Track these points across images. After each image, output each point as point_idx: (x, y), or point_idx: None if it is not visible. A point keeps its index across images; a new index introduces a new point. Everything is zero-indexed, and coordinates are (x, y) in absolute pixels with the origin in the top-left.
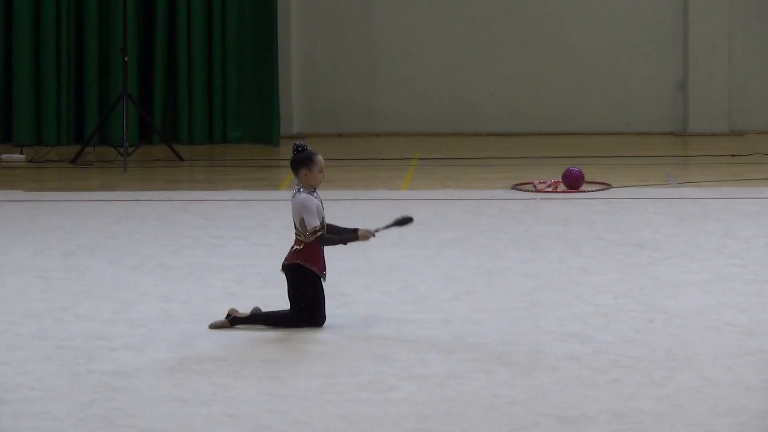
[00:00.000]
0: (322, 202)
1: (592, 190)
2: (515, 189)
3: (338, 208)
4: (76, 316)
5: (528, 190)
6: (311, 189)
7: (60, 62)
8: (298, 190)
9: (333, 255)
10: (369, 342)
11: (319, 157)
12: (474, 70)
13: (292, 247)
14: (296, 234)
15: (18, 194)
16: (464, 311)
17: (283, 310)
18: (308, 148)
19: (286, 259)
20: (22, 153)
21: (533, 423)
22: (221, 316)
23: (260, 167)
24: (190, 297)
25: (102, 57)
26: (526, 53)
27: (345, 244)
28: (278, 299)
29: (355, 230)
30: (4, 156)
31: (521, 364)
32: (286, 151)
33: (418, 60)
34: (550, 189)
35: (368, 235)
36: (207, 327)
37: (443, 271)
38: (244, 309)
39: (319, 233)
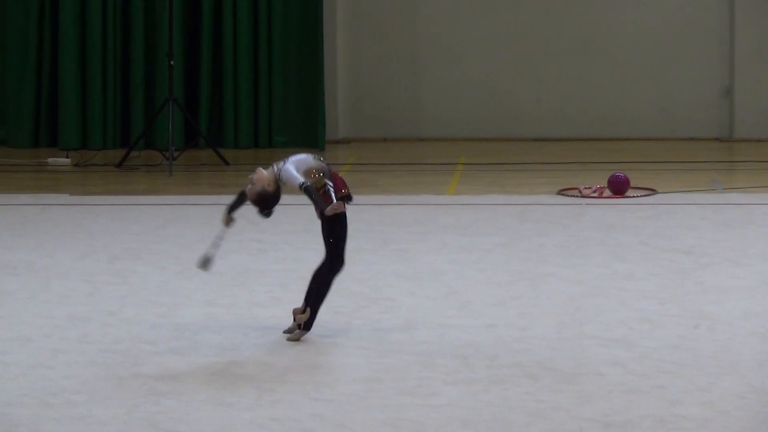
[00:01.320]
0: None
1: (638, 196)
2: (560, 194)
3: (384, 212)
4: (121, 320)
5: (573, 196)
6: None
7: (106, 67)
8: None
9: (376, 259)
10: (413, 347)
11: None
12: (519, 75)
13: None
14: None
15: (64, 198)
16: (509, 316)
17: (318, 274)
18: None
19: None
20: (67, 157)
21: (577, 429)
22: (266, 321)
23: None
24: (235, 301)
25: (148, 61)
26: (572, 58)
27: (316, 204)
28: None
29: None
30: (50, 160)
31: (565, 370)
32: (331, 155)
33: (463, 65)
34: (595, 194)
35: (337, 208)
36: (255, 332)
37: (488, 276)
38: (289, 313)
39: (305, 185)
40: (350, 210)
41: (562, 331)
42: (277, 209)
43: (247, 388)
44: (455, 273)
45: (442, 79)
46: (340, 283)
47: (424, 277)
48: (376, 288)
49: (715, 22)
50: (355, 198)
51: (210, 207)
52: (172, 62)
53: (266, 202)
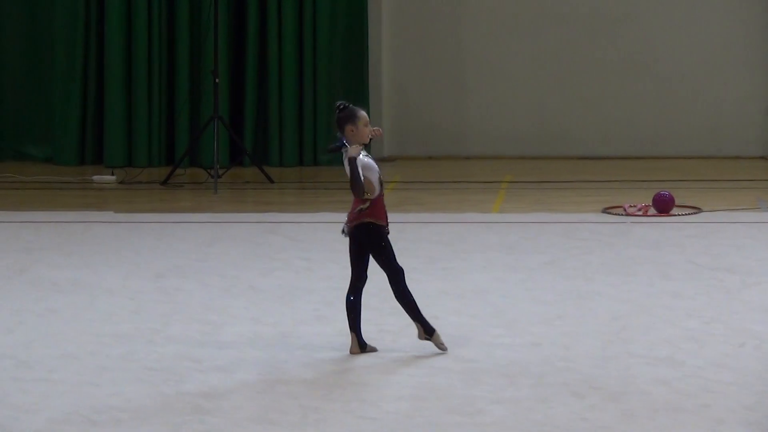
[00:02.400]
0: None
1: (683, 214)
2: (605, 212)
3: (429, 230)
4: (166, 338)
5: (618, 214)
6: (360, 148)
7: (151, 84)
8: (346, 149)
9: (422, 277)
10: (458, 365)
11: (363, 113)
12: (564, 93)
13: (355, 207)
14: (357, 195)
15: (109, 215)
16: (554, 335)
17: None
18: (350, 105)
19: (351, 221)
20: (113, 174)
21: None
22: (311, 339)
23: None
24: (280, 319)
25: (193, 79)
26: (616, 76)
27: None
28: (366, 322)
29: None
30: (95, 177)
31: (611, 389)
32: None
33: (508, 83)
34: (640, 213)
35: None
36: (300, 350)
37: (533, 294)
38: (334, 331)
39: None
40: (396, 227)
41: (607, 349)
42: (323, 227)
43: (291, 406)
44: (501, 291)
45: (487, 97)
46: (385, 301)
47: (469, 296)
48: (422, 306)
49: (760, 40)
50: (401, 216)
51: (255, 225)
52: (217, 80)
53: None
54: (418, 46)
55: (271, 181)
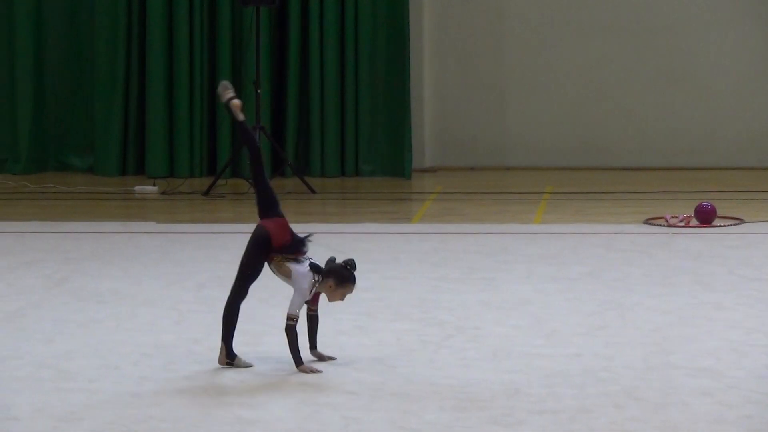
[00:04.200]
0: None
1: (725, 225)
2: (647, 223)
3: (470, 241)
4: (207, 348)
5: (660, 225)
6: (314, 285)
7: (193, 95)
8: (309, 262)
9: (463, 288)
10: (499, 375)
11: (353, 287)
12: (605, 104)
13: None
14: (274, 268)
15: (150, 226)
16: (595, 346)
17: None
18: (354, 271)
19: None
20: (154, 185)
21: None
22: (351, 350)
23: (392, 200)
24: (321, 330)
25: (235, 90)
26: (657, 87)
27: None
28: (409, 332)
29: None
30: (137, 188)
31: (652, 400)
32: (418, 184)
33: (549, 94)
34: (682, 224)
35: (307, 371)
36: (340, 361)
37: (574, 305)
38: (375, 341)
39: (291, 323)
40: (437, 238)
41: (649, 360)
42: (364, 238)
43: (332, 417)
44: (542, 302)
45: (529, 108)
46: (426, 311)
47: (510, 306)
48: (463, 317)
49: None
50: (442, 227)
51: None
52: (259, 91)
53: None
54: (459, 57)
55: (313, 192)
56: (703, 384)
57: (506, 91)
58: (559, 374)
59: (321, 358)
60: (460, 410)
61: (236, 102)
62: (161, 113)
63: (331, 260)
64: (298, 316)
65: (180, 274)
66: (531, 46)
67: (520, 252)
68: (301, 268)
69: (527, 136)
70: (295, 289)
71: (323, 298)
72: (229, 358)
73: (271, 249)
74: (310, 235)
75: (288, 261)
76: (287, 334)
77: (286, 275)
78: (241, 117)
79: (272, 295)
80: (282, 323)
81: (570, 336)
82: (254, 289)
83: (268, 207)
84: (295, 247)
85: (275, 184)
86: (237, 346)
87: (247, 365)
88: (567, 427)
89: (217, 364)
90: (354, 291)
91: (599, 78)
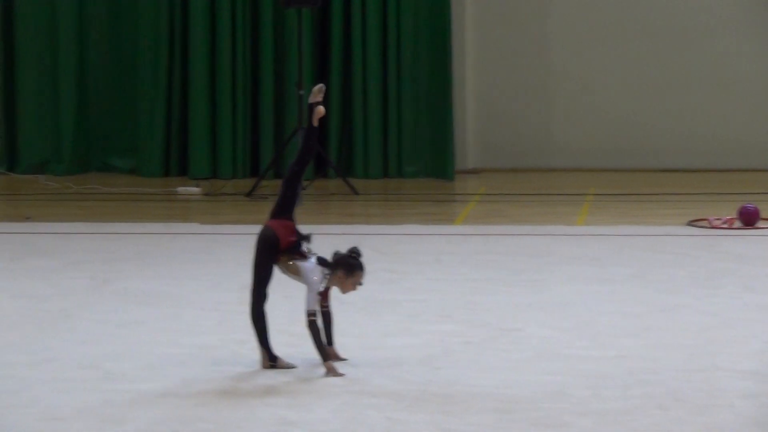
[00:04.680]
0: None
1: None
2: (690, 225)
3: (514, 243)
4: (251, 349)
5: (703, 227)
6: (324, 279)
7: (235, 96)
8: (315, 257)
9: (507, 289)
10: (543, 377)
11: (363, 274)
12: (649, 106)
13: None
14: (282, 268)
15: (194, 227)
16: (640, 347)
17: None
18: (361, 258)
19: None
20: (198, 186)
21: None
22: (396, 351)
23: (435, 201)
24: (365, 331)
25: (277, 91)
26: (701, 89)
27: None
28: (452, 334)
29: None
30: (180, 189)
31: (696, 402)
32: (461, 185)
33: (593, 96)
34: (725, 225)
35: (332, 369)
36: (385, 362)
37: (618, 307)
38: (420, 343)
39: (312, 318)
40: (481, 239)
41: (693, 362)
42: (407, 239)
43: (377, 418)
44: (585, 304)
45: (572, 110)
46: (470, 313)
47: (554, 308)
48: (506, 318)
49: None
50: (486, 228)
51: (339, 237)
52: (301, 92)
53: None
54: (502, 57)
55: (356, 193)
56: (747, 386)
57: (549, 92)
58: (602, 376)
59: (336, 356)
60: (503, 412)
61: (320, 108)
62: (204, 114)
63: (337, 253)
64: (316, 311)
65: (223, 275)
66: (574, 47)
67: (564, 254)
68: (309, 264)
69: (570, 138)
70: (307, 285)
71: (338, 291)
72: (270, 360)
73: (279, 250)
74: (310, 234)
75: (295, 260)
76: (310, 331)
77: (296, 273)
78: (315, 123)
79: None
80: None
81: (613, 338)
82: (296, 290)
83: (285, 209)
84: (300, 246)
85: (318, 185)
86: (280, 347)
87: (290, 366)
88: (610, 429)
89: (259, 364)
90: (364, 279)
91: (643, 79)
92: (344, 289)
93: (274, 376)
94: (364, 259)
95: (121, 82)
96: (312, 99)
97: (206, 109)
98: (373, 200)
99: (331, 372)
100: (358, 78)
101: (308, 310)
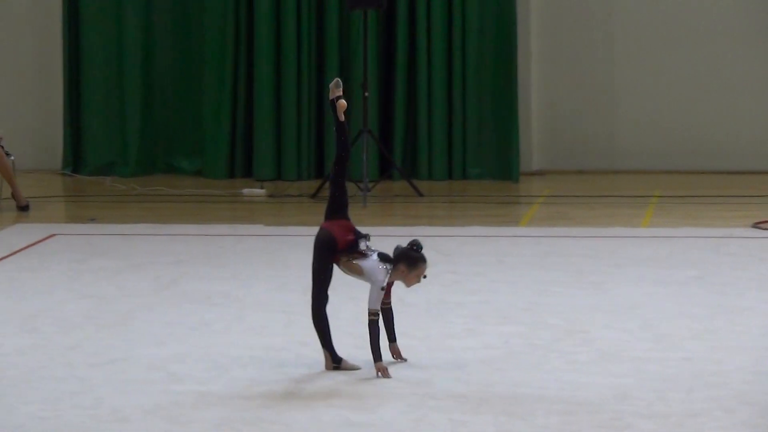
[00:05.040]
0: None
1: None
2: (756, 227)
3: (578, 245)
4: (316, 351)
5: None
6: (387, 274)
7: (300, 98)
8: (376, 253)
9: (572, 292)
10: (607, 379)
11: (425, 266)
12: (714, 108)
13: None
14: (343, 268)
15: (258, 228)
16: (705, 350)
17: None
18: (422, 251)
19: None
20: (262, 188)
21: None
22: (459, 353)
23: (500, 203)
24: (429, 333)
25: (342, 93)
26: (767, 91)
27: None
28: (517, 336)
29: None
30: (245, 190)
31: (763, 404)
32: (526, 187)
33: (659, 97)
34: None
35: (383, 370)
36: (449, 364)
37: (683, 309)
38: (483, 344)
39: (374, 318)
40: (545, 242)
41: (759, 364)
42: (471, 241)
43: (441, 421)
44: (650, 306)
45: (637, 111)
46: (535, 315)
47: (619, 310)
48: (572, 320)
49: None
50: (550, 231)
51: (403, 239)
52: (366, 94)
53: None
54: (567, 59)
55: (420, 195)
56: None
57: (615, 93)
58: (668, 378)
59: (398, 354)
60: (568, 414)
61: (342, 102)
62: (269, 116)
63: (398, 247)
64: (380, 311)
65: (288, 277)
66: (640, 48)
67: (629, 255)
68: (370, 261)
69: (636, 139)
70: (371, 284)
71: (400, 286)
72: (335, 362)
73: (337, 250)
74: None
75: (355, 259)
76: (370, 330)
77: (358, 273)
78: (342, 117)
79: None
80: (400, 327)
81: (679, 340)
82: (361, 291)
83: (337, 209)
84: (359, 244)
85: (382, 187)
86: (345, 349)
87: (354, 368)
88: None
89: (324, 366)
90: (427, 271)
91: (708, 81)
92: (408, 283)
93: (338, 378)
94: (428, 258)
95: (187, 84)
96: (332, 95)
97: (271, 111)
98: (437, 202)
99: (383, 373)
100: (422, 79)
101: (370, 309)
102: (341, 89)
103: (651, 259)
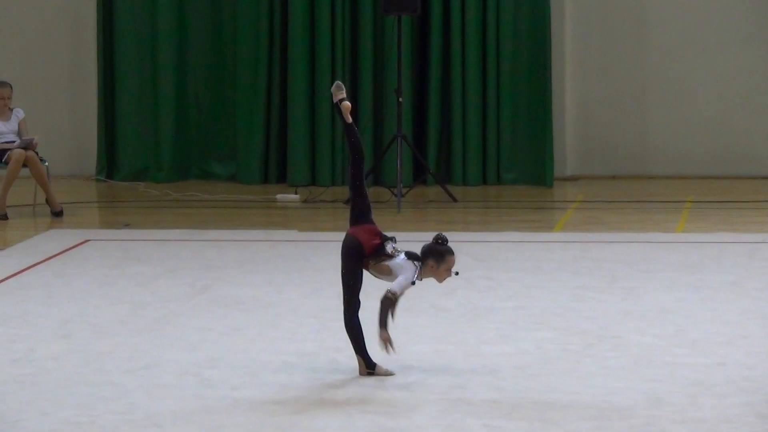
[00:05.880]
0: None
1: None
2: None
3: (612, 250)
4: (349, 357)
5: None
6: (417, 271)
7: (334, 103)
8: (403, 252)
9: (605, 297)
10: (641, 384)
11: (453, 258)
12: (748, 113)
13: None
14: (373, 272)
15: (292, 234)
16: (738, 355)
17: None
18: (447, 243)
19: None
20: (296, 193)
21: None
22: (493, 359)
23: (533, 209)
24: (463, 338)
25: (376, 98)
26: None
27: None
28: (550, 341)
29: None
30: (279, 196)
31: None
32: (560, 193)
33: (691, 102)
34: None
35: (387, 340)
36: (483, 370)
37: (716, 314)
38: (517, 350)
39: (391, 297)
40: (579, 247)
41: None
42: (506, 246)
43: (475, 426)
44: (683, 311)
45: (670, 116)
46: (568, 320)
47: (652, 315)
48: (605, 326)
49: None
50: (584, 236)
51: None
52: (400, 99)
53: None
54: (600, 65)
55: (454, 200)
56: None
57: (648, 99)
58: (701, 383)
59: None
60: (601, 419)
61: (346, 104)
62: (303, 121)
63: (424, 245)
64: (398, 297)
65: (321, 283)
66: (672, 54)
67: (662, 261)
68: (399, 260)
69: (669, 145)
70: (402, 276)
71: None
72: (369, 367)
73: (364, 255)
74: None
75: (383, 261)
76: (382, 304)
77: (387, 273)
78: (349, 119)
79: (414, 304)
80: (427, 331)
81: (712, 345)
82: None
83: (361, 214)
84: (385, 247)
85: (417, 192)
86: (379, 355)
87: (388, 373)
88: None
89: (357, 372)
90: (462, 275)
91: (741, 86)
92: (440, 278)
93: (372, 383)
94: (460, 265)
95: (221, 90)
96: (335, 98)
97: (305, 116)
98: (471, 207)
99: (387, 343)
100: (456, 85)
101: (392, 290)
102: (344, 91)
103: (684, 264)
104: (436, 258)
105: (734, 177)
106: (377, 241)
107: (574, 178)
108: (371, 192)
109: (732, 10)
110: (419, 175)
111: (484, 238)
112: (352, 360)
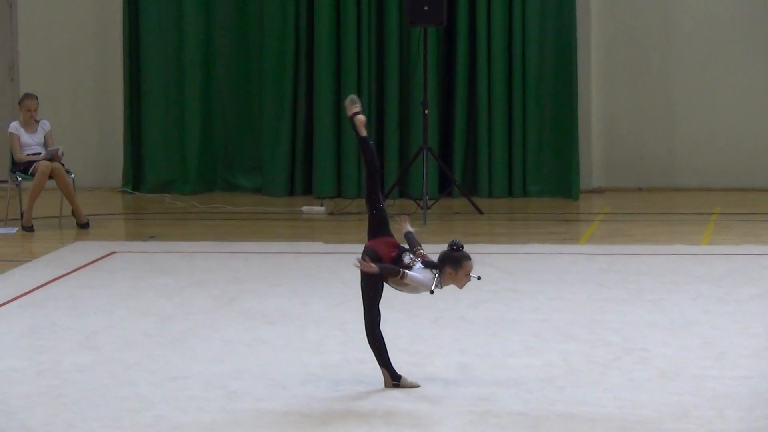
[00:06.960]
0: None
1: None
2: None
3: (638, 262)
4: (374, 369)
5: None
6: (436, 279)
7: None
8: (420, 261)
9: (631, 309)
10: (667, 397)
11: (471, 264)
12: None
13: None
14: (392, 284)
15: (318, 246)
16: (764, 367)
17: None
18: (463, 249)
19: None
20: (322, 205)
21: None
22: (519, 371)
23: (559, 221)
24: (488, 351)
25: (402, 110)
26: None
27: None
28: (576, 353)
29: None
30: (305, 208)
31: None
32: (586, 205)
33: (718, 114)
34: None
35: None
36: (508, 382)
37: (743, 326)
38: (543, 362)
39: (400, 272)
40: (605, 259)
41: None
42: (531, 259)
43: None
44: (710, 323)
45: (696, 129)
46: (594, 332)
47: (678, 328)
48: (631, 338)
49: None
50: (610, 248)
51: None
52: (426, 111)
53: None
54: (627, 77)
55: (480, 212)
56: None
57: (674, 111)
58: (727, 396)
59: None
60: (625, 431)
61: (361, 117)
62: (329, 133)
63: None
64: (403, 275)
65: (347, 295)
66: (698, 65)
67: (688, 273)
68: (416, 269)
69: (695, 157)
70: (422, 284)
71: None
72: (394, 379)
73: None
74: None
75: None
76: (390, 269)
77: (406, 284)
78: (363, 133)
79: (440, 316)
80: (453, 344)
81: (738, 358)
82: (421, 309)
83: (378, 227)
84: (403, 258)
85: (442, 204)
86: (404, 367)
87: (414, 385)
88: None
89: (383, 384)
90: (474, 267)
91: (767, 98)
92: (459, 284)
93: (397, 396)
94: (485, 277)
95: (246, 102)
96: (349, 112)
97: (331, 128)
98: (497, 219)
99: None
100: (482, 97)
101: (407, 272)
102: (358, 105)
103: (710, 277)
104: (453, 264)
105: (760, 189)
106: (395, 253)
107: (599, 191)
108: (397, 204)
109: (757, 23)
110: (445, 187)
111: (509, 251)
112: (377, 372)
